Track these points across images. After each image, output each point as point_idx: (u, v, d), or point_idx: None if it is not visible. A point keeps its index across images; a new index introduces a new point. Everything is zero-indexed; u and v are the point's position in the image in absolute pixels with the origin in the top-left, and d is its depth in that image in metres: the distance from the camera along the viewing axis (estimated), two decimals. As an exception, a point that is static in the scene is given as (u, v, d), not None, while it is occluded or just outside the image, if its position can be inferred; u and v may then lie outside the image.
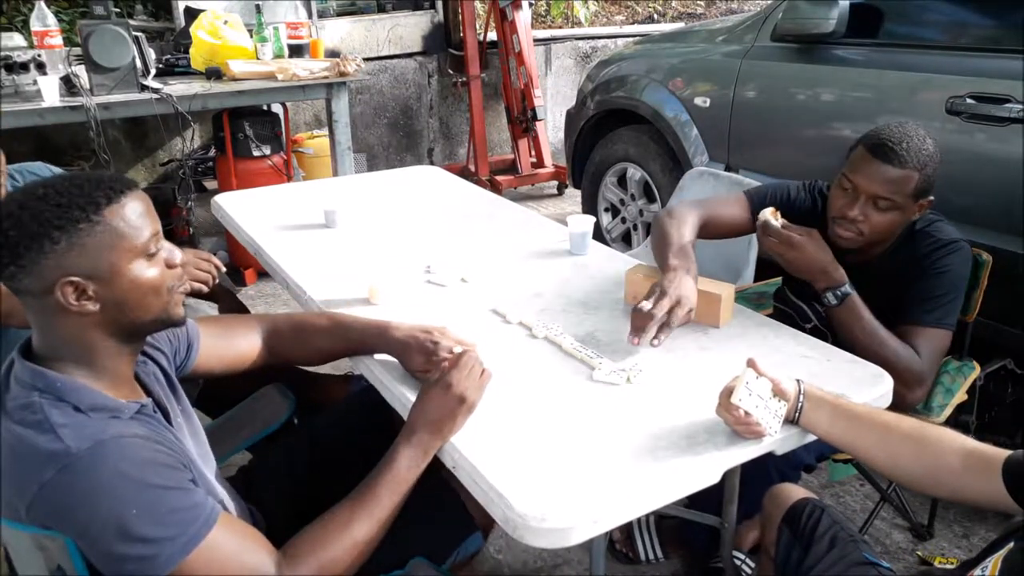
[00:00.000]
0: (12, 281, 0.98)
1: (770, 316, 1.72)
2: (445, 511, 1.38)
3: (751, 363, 1.20)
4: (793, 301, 1.92)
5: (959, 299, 1.67)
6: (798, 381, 1.23)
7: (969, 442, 1.11)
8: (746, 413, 1.15)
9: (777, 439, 1.22)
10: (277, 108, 4.00)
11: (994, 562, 1.01)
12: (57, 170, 2.04)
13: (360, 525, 1.11)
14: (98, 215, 0.98)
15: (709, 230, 1.77)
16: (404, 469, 1.16)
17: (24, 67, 2.96)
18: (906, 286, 1.67)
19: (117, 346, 1.05)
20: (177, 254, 1.10)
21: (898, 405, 1.64)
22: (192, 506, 0.98)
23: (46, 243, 0.95)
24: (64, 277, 0.97)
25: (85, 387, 1.01)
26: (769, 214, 1.67)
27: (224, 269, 1.96)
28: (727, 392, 1.18)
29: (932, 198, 1.67)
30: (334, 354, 1.47)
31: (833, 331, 1.71)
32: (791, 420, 1.21)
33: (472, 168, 5.06)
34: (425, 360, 1.32)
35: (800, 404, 1.21)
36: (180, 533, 0.96)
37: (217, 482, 1.21)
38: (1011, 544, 1.01)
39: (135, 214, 1.02)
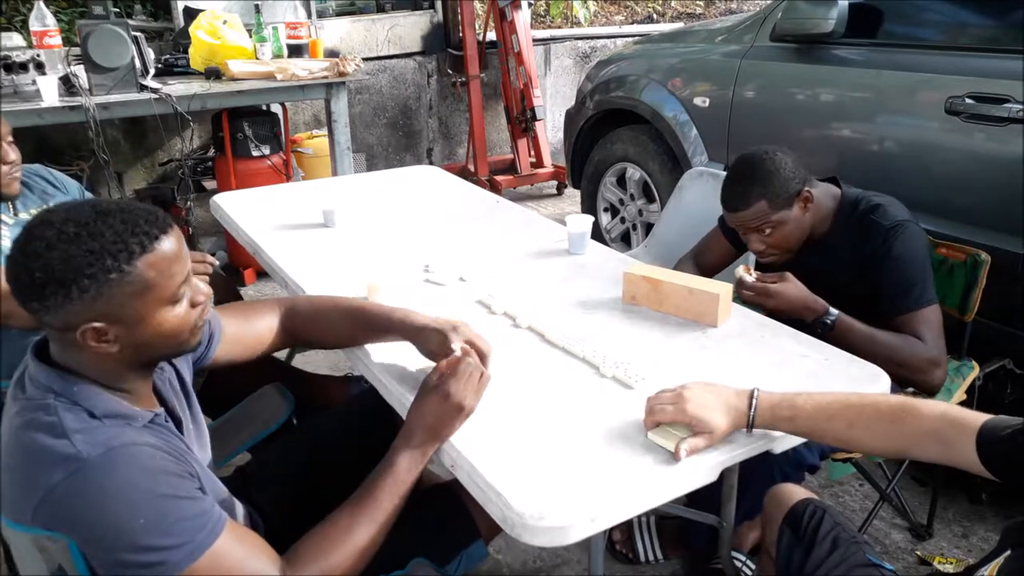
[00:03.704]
0: (34, 314, 0.97)
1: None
2: (447, 515, 1.38)
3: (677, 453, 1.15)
4: None
5: (928, 273, 1.73)
6: (751, 398, 1.18)
7: (940, 406, 1.10)
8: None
9: (774, 438, 1.22)
10: (276, 108, 4.00)
11: (990, 570, 1.01)
12: (58, 173, 2.03)
13: (362, 530, 1.11)
14: (130, 265, 0.96)
15: (706, 276, 1.84)
16: (404, 471, 1.16)
17: (23, 67, 2.96)
18: (872, 282, 1.73)
19: (133, 373, 1.05)
20: (202, 289, 1.09)
21: (924, 391, 1.70)
22: (199, 514, 0.98)
23: (74, 290, 0.93)
24: (88, 323, 0.95)
25: (100, 393, 1.01)
26: (742, 270, 1.75)
27: (219, 264, 1.96)
28: (650, 419, 1.18)
29: (807, 189, 1.76)
30: (350, 339, 1.46)
31: None
32: (747, 431, 1.19)
33: (471, 168, 5.06)
34: (441, 342, 1.29)
35: (751, 419, 1.17)
36: (186, 541, 0.96)
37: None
38: (1008, 552, 1.01)
39: (167, 262, 0.99)
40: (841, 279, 1.78)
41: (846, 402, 1.16)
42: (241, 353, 1.39)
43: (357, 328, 1.44)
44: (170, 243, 1.00)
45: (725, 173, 2.64)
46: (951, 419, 1.07)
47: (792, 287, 1.69)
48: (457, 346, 1.27)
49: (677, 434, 1.16)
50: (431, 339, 1.31)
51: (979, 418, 1.05)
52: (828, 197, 1.83)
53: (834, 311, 1.68)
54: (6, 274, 0.96)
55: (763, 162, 1.74)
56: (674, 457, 1.13)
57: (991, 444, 1.02)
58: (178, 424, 1.15)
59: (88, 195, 2.09)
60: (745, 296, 1.72)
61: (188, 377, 1.25)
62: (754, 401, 1.18)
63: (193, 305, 1.07)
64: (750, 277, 1.73)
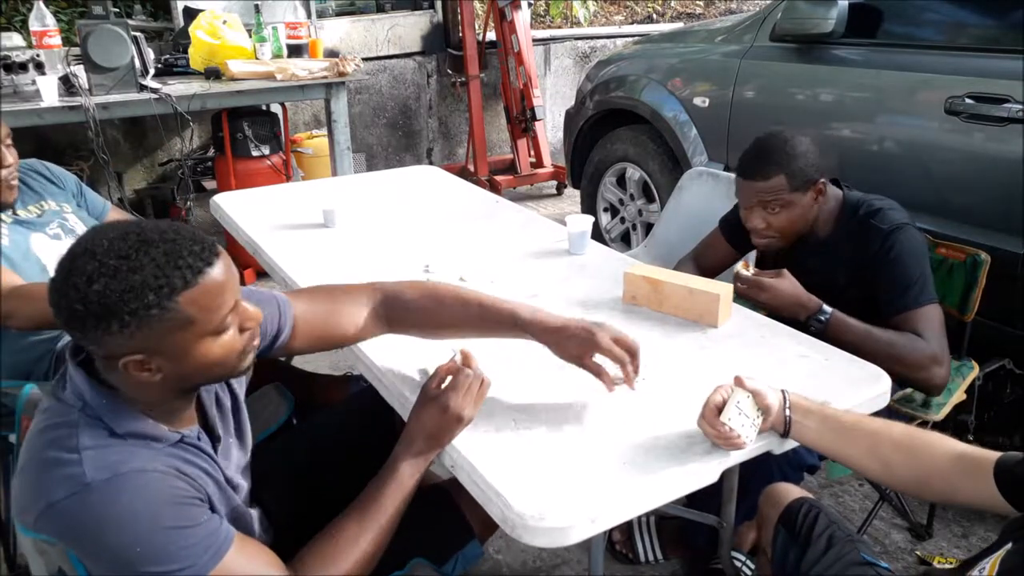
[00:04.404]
0: (77, 342, 0.96)
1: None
2: (443, 515, 1.39)
3: (739, 381, 1.19)
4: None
5: (927, 273, 1.73)
6: (783, 392, 1.21)
7: (959, 445, 1.11)
8: (730, 429, 1.14)
9: (775, 439, 1.22)
10: (276, 108, 4.00)
11: (992, 563, 1.01)
12: (54, 168, 2.03)
13: (368, 537, 1.12)
14: (171, 301, 0.92)
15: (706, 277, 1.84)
16: (407, 477, 1.17)
17: (23, 67, 2.96)
18: (871, 285, 1.74)
19: (176, 398, 1.04)
20: (251, 314, 1.04)
21: (926, 390, 1.70)
22: (204, 537, 0.97)
23: (114, 324, 0.90)
24: (128, 356, 0.94)
25: (129, 411, 0.99)
26: (740, 266, 1.77)
27: None
28: (712, 407, 1.17)
29: (823, 180, 1.78)
30: (465, 331, 1.34)
31: None
32: (782, 433, 1.20)
33: (471, 168, 5.06)
34: (582, 345, 1.24)
35: (787, 417, 1.19)
36: (190, 564, 0.95)
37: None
38: (1009, 545, 1.01)
39: (210, 295, 0.95)
40: (840, 281, 1.78)
41: (866, 418, 1.19)
42: (316, 347, 1.32)
43: (477, 321, 1.32)
44: (215, 274, 0.95)
45: (725, 173, 2.66)
46: (969, 455, 1.09)
47: (787, 283, 1.69)
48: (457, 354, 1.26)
49: (749, 413, 1.17)
50: (570, 344, 1.25)
51: (993, 454, 1.07)
52: (832, 199, 1.83)
53: (828, 309, 1.68)
54: (49, 299, 0.94)
55: (788, 142, 1.76)
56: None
57: (1009, 472, 1.03)
58: (214, 438, 1.13)
59: (87, 189, 2.09)
60: (740, 289, 1.72)
61: (240, 391, 1.22)
62: (785, 395, 1.20)
63: (241, 331, 1.03)
64: (747, 272, 1.74)
